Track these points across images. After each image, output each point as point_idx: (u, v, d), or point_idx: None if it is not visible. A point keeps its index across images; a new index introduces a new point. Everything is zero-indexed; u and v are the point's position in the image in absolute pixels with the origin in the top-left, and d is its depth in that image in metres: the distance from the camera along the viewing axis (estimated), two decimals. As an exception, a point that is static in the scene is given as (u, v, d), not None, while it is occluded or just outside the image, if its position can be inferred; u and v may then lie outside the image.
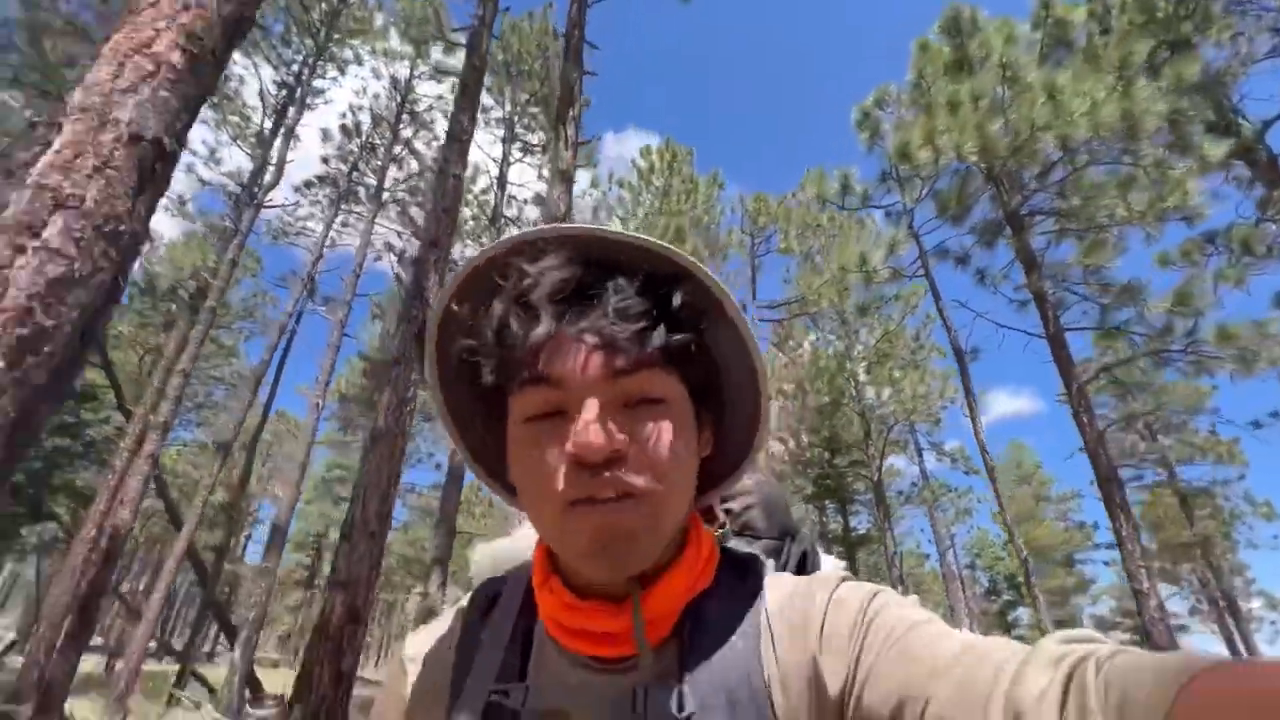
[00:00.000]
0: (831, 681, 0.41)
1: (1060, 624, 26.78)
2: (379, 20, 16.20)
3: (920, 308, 17.14)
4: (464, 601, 0.56)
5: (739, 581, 0.49)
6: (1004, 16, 9.45)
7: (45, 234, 1.42)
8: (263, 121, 15.15)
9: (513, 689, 0.45)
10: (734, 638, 0.45)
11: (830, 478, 20.39)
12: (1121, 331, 8.52)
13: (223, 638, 16.45)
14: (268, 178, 13.76)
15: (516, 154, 15.55)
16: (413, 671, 0.52)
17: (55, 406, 1.49)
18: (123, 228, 1.58)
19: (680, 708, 0.41)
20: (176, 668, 12.91)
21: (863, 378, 18.56)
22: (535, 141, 15.35)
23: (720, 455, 0.53)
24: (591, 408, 0.40)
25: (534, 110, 14.93)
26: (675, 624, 0.46)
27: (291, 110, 15.46)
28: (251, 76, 15.38)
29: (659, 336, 0.42)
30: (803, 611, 0.45)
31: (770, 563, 0.56)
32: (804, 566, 0.72)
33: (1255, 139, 10.42)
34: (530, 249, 0.44)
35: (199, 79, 1.95)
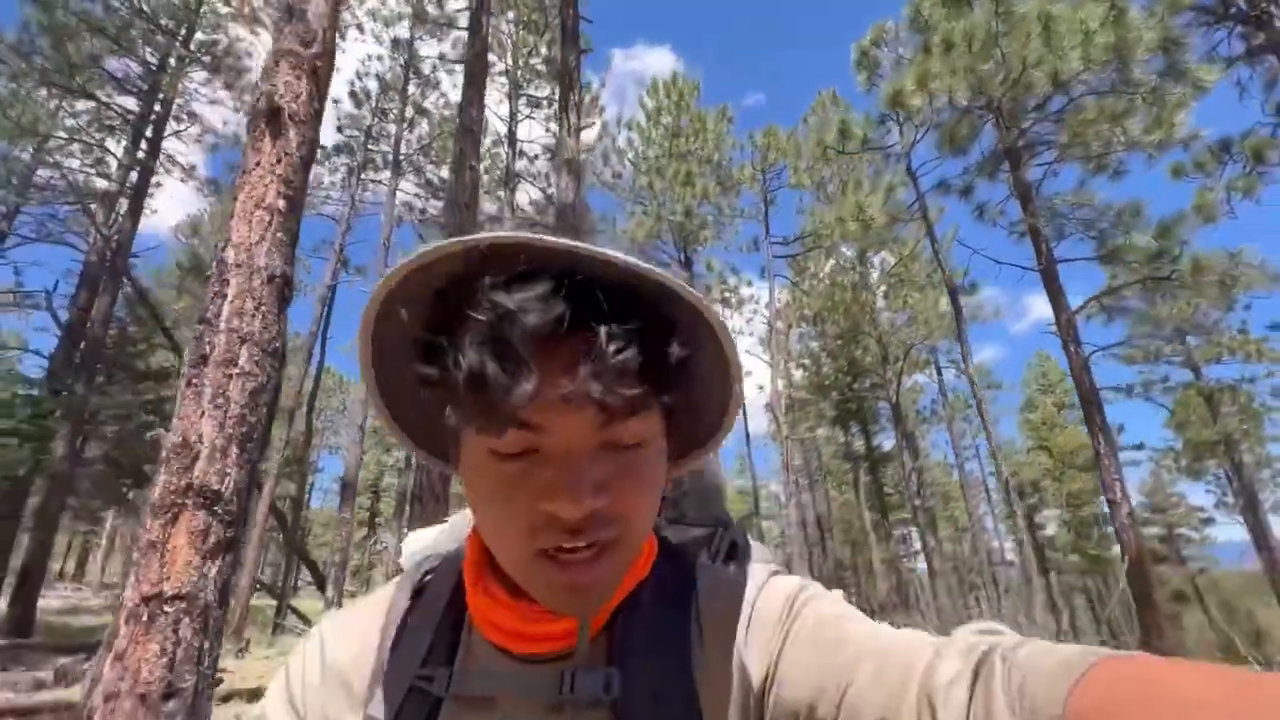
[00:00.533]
0: (755, 671, 0.42)
1: (1083, 523, 27.84)
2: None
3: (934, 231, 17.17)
4: (389, 589, 0.54)
5: (672, 572, 0.49)
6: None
7: (240, 363, 2.23)
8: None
9: (437, 674, 0.44)
10: (664, 630, 0.45)
11: (851, 400, 21.15)
12: (1119, 257, 8.84)
13: (305, 575, 18.54)
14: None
15: (524, 109, 15.70)
16: (329, 652, 0.50)
17: (257, 468, 2.34)
18: (277, 345, 2.38)
19: (607, 690, 0.41)
20: (274, 603, 14.89)
21: (880, 303, 18.90)
22: (542, 95, 15.43)
23: (683, 435, 0.50)
24: (574, 468, 0.38)
25: (538, 65, 14.93)
26: (613, 610, 0.46)
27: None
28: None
29: (651, 393, 0.39)
30: (731, 603, 0.46)
31: (702, 553, 0.58)
32: (733, 555, 0.72)
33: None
34: (498, 260, 0.36)
35: (294, 211, 2.68)
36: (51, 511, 10.97)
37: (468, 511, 0.60)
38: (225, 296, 2.30)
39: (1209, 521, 30.56)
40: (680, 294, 0.38)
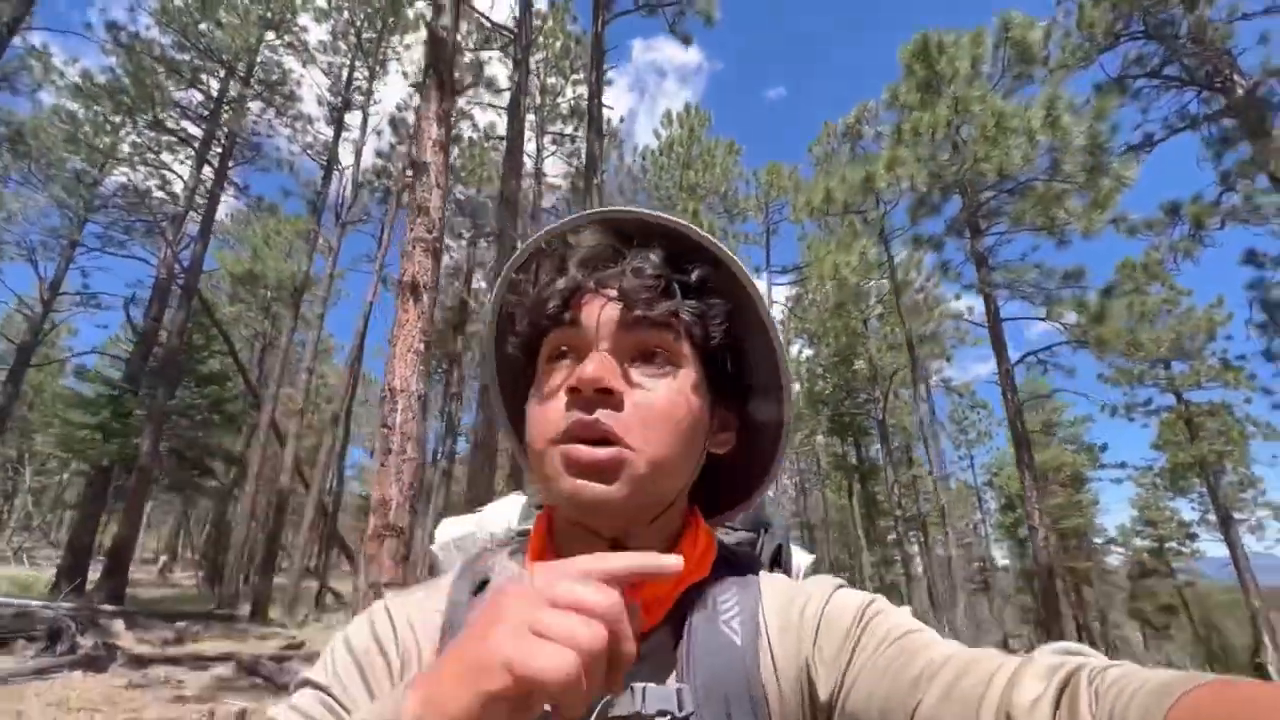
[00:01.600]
0: (823, 686, 0.42)
1: (1064, 536, 29.20)
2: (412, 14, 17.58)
3: (925, 261, 18.61)
4: (446, 578, 0.54)
5: (736, 578, 0.50)
6: (974, 31, 10.66)
7: (408, 452, 3.87)
8: (331, 129, 17.27)
9: None
10: (732, 635, 0.45)
11: (845, 415, 22.62)
12: (1056, 316, 10.32)
13: (341, 559, 20.38)
14: (339, 191, 16.05)
15: (549, 146, 17.27)
16: (391, 628, 0.49)
17: (418, 513, 3.98)
18: (420, 446, 4.03)
19: (680, 707, 0.41)
20: (316, 584, 16.73)
21: (874, 323, 20.31)
22: (566, 133, 16.98)
23: (742, 473, 0.56)
24: (600, 347, 0.46)
25: (563, 108, 16.47)
26: (670, 611, 0.47)
27: (347, 116, 17.47)
28: (310, 90, 17.37)
29: (672, 297, 0.47)
30: (799, 614, 0.46)
31: (760, 562, 0.59)
32: (778, 559, 0.74)
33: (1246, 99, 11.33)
34: (576, 229, 0.51)
35: (428, 349, 4.31)
36: (140, 499, 12.78)
37: (507, 498, 0.72)
38: (396, 411, 3.95)
39: (1194, 537, 31.80)
40: (719, 255, 0.49)
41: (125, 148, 16.71)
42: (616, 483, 0.43)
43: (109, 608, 10.03)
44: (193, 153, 16.77)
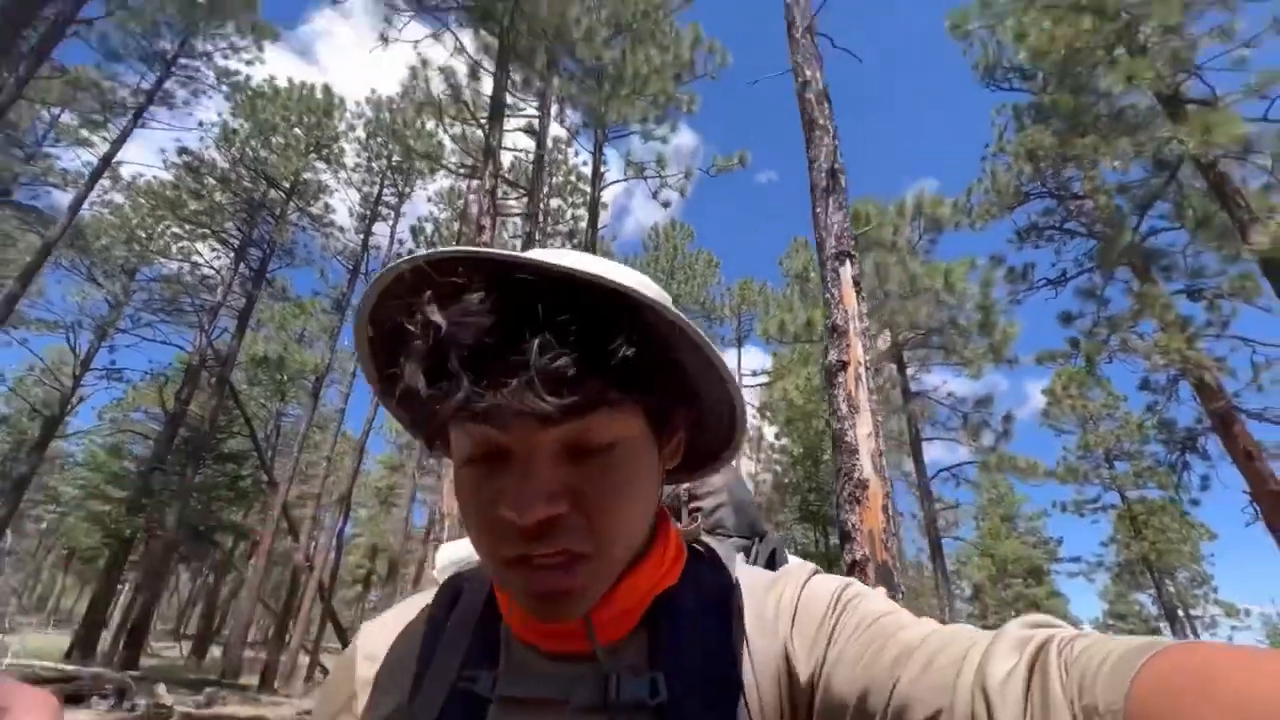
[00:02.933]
0: (802, 669, 0.42)
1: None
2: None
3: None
4: (428, 595, 0.54)
5: (708, 573, 0.50)
6: (896, 203, 13.33)
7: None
8: (360, 236, 19.73)
9: (481, 675, 0.45)
10: (706, 627, 0.45)
11: (812, 504, 24.23)
12: (968, 439, 12.41)
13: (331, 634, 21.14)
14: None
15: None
16: (369, 663, 0.51)
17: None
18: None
19: (653, 694, 0.41)
20: (308, 658, 17.63)
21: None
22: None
23: (696, 445, 0.51)
24: (523, 472, 0.39)
25: (563, 229, 19.09)
26: (644, 614, 0.46)
27: (375, 226, 20.01)
28: (342, 202, 19.99)
29: (596, 370, 0.37)
30: (775, 601, 0.46)
31: (740, 555, 0.57)
32: (772, 565, 0.72)
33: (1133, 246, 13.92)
34: (437, 278, 0.37)
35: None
36: (164, 571, 14.04)
37: None
38: (444, 532, 5.79)
39: (1158, 631, 32.91)
40: (636, 298, 0.38)
41: (170, 244, 19.01)
42: (582, 593, 0.40)
43: (134, 673, 11.18)
44: (232, 251, 19.09)
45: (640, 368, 0.38)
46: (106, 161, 14.42)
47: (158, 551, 14.00)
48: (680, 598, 0.47)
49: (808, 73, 4.11)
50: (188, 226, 18.55)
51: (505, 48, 9.31)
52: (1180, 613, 29.04)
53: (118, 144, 14.44)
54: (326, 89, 20.55)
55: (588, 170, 15.47)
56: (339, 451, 19.28)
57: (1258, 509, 11.38)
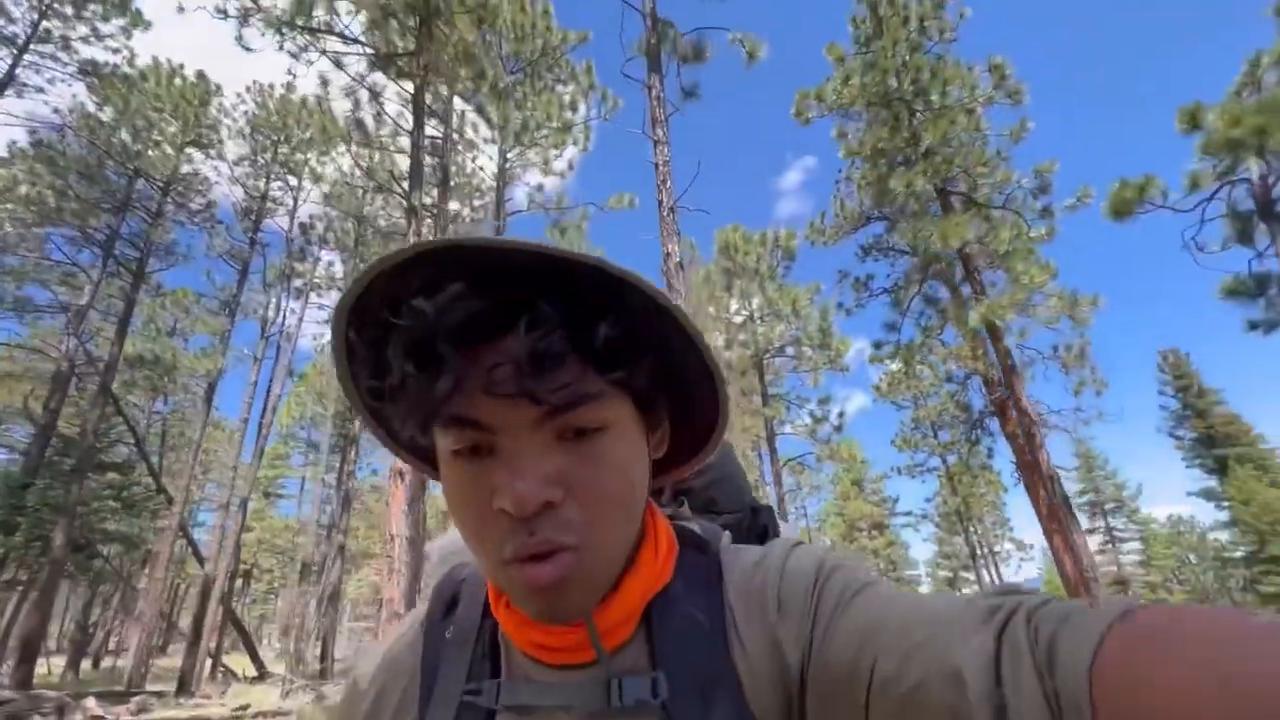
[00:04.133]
0: (791, 650, 0.42)
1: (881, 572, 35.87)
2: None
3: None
4: (421, 609, 0.54)
5: (698, 566, 0.49)
6: (759, 234, 15.77)
7: (400, 569, 7.23)
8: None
9: (485, 687, 0.45)
10: (699, 622, 0.45)
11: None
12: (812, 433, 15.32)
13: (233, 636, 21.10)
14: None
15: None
16: (372, 689, 0.51)
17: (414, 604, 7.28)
18: (408, 564, 7.40)
19: (655, 694, 0.41)
20: (209, 661, 17.83)
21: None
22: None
23: (684, 433, 0.51)
24: (516, 459, 0.38)
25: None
26: (641, 617, 0.46)
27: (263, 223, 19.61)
28: (225, 197, 19.36)
29: (588, 371, 0.38)
30: (759, 585, 0.46)
31: (727, 534, 0.55)
32: (765, 539, 0.71)
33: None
34: (421, 269, 0.37)
35: (412, 508, 7.70)
36: (51, 590, 13.76)
37: None
38: (395, 550, 7.29)
39: (969, 566, 40.21)
40: (621, 278, 0.38)
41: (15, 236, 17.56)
42: (579, 592, 0.41)
43: (56, 692, 11.36)
44: (98, 248, 17.97)
45: (627, 346, 0.39)
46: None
47: (45, 572, 13.70)
48: (674, 594, 0.47)
49: (669, 248, 5.88)
50: (37, 217, 17.21)
51: (419, 102, 10.19)
52: (984, 550, 35.92)
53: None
54: (201, 75, 19.54)
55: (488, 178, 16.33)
56: (211, 445, 19.15)
57: (1018, 474, 15.24)
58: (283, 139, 20.00)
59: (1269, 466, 36.78)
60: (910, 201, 11.05)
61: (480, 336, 0.37)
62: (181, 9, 10.05)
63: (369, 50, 10.45)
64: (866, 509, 32.97)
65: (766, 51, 7.44)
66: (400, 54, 10.69)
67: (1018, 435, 14.56)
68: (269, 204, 20.04)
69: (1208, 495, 35.64)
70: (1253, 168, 6.57)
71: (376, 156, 13.42)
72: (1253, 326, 8.22)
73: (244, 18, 9.15)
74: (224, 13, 9.06)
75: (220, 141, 19.55)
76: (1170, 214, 7.89)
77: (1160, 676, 0.25)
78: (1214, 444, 39.60)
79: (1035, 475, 14.54)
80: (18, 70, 15.19)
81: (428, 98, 10.37)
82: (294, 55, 11.22)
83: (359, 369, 0.43)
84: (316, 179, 19.50)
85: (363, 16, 10.43)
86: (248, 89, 20.13)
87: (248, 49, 9.53)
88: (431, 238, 0.40)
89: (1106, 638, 0.27)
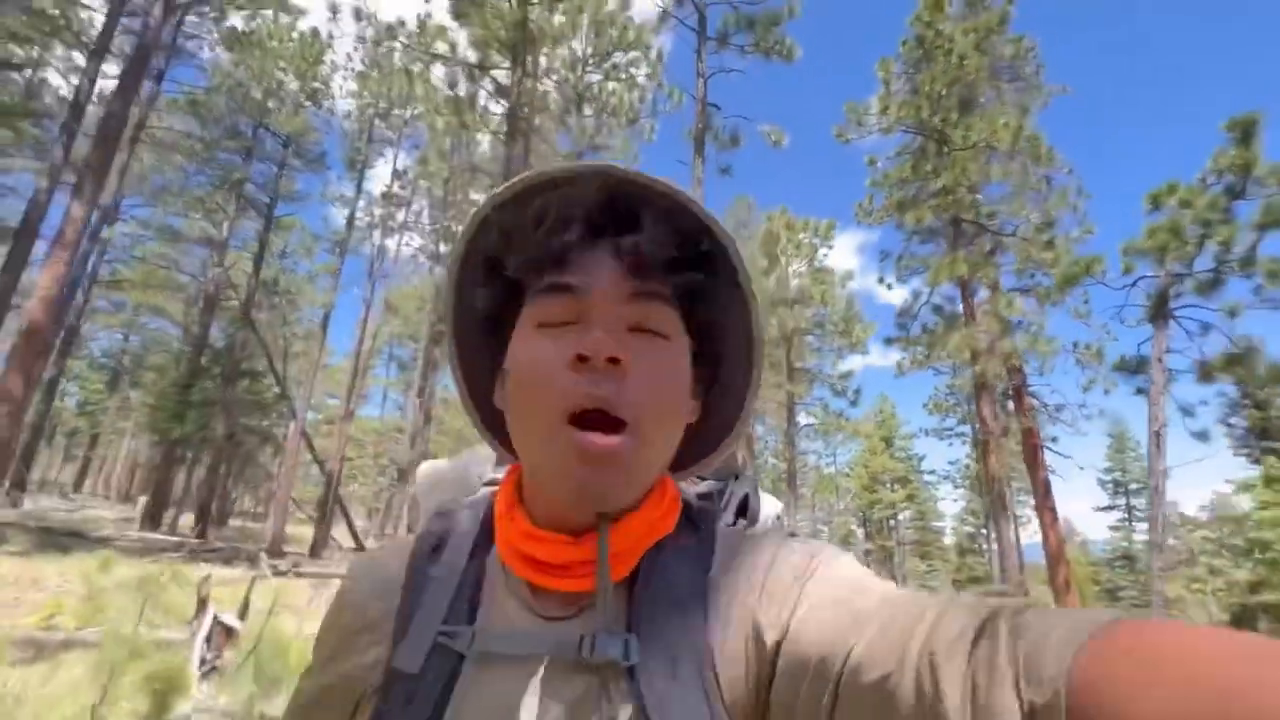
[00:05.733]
0: (768, 633, 0.42)
1: (879, 526, 38.28)
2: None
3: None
4: (413, 535, 0.55)
5: (693, 535, 0.50)
6: (801, 221, 17.36)
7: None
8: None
9: (460, 631, 0.45)
10: (682, 593, 0.45)
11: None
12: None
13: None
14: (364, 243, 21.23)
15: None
16: (354, 609, 0.52)
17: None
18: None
19: (626, 656, 0.42)
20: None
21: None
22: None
23: (703, 430, 0.53)
24: (606, 317, 0.44)
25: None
26: (636, 565, 0.47)
27: (368, 172, 22.38)
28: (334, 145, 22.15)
29: (678, 271, 0.45)
30: (748, 568, 0.47)
31: (722, 515, 0.59)
32: (745, 507, 0.74)
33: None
34: (575, 179, 0.46)
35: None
36: (216, 467, 18.03)
37: (481, 449, 0.69)
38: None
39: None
40: (712, 228, 0.47)
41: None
42: (621, 478, 0.43)
43: (248, 546, 15.61)
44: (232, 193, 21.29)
45: (707, 269, 0.47)
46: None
47: (214, 452, 17.91)
48: (665, 556, 0.47)
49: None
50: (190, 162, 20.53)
51: (514, 121, 12.07)
52: (1008, 513, 37.64)
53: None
54: (315, 33, 21.79)
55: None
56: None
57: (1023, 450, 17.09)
58: (386, 97, 22.29)
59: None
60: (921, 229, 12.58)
61: (607, 220, 0.45)
62: (331, 39, 12.26)
63: (473, 64, 12.46)
64: (891, 464, 35.07)
65: (788, 134, 9.11)
66: (498, 66, 12.71)
67: (1028, 420, 16.36)
68: (371, 153, 22.67)
69: (1245, 487, 35.72)
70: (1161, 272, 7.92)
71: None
72: (1139, 391, 9.94)
73: (378, 43, 11.17)
74: (363, 39, 11.11)
75: (331, 97, 22.06)
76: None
77: (1143, 693, 0.24)
78: (1267, 435, 38.93)
79: (1035, 459, 16.50)
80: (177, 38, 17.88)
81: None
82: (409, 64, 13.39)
83: (473, 261, 0.52)
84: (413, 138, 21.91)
85: (467, 35, 12.41)
86: (355, 45, 22.30)
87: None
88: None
89: (1088, 646, 0.27)
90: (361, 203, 22.55)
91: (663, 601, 0.45)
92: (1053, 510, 16.92)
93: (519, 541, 0.47)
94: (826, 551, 0.46)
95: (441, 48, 13.08)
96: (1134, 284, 8.69)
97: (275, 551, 15.52)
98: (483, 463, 0.75)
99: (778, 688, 0.40)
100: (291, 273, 22.30)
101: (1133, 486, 36.13)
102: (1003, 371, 16.12)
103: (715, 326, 0.50)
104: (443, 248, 23.96)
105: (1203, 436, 11.18)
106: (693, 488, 0.67)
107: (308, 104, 21.28)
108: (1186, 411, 10.38)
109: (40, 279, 9.43)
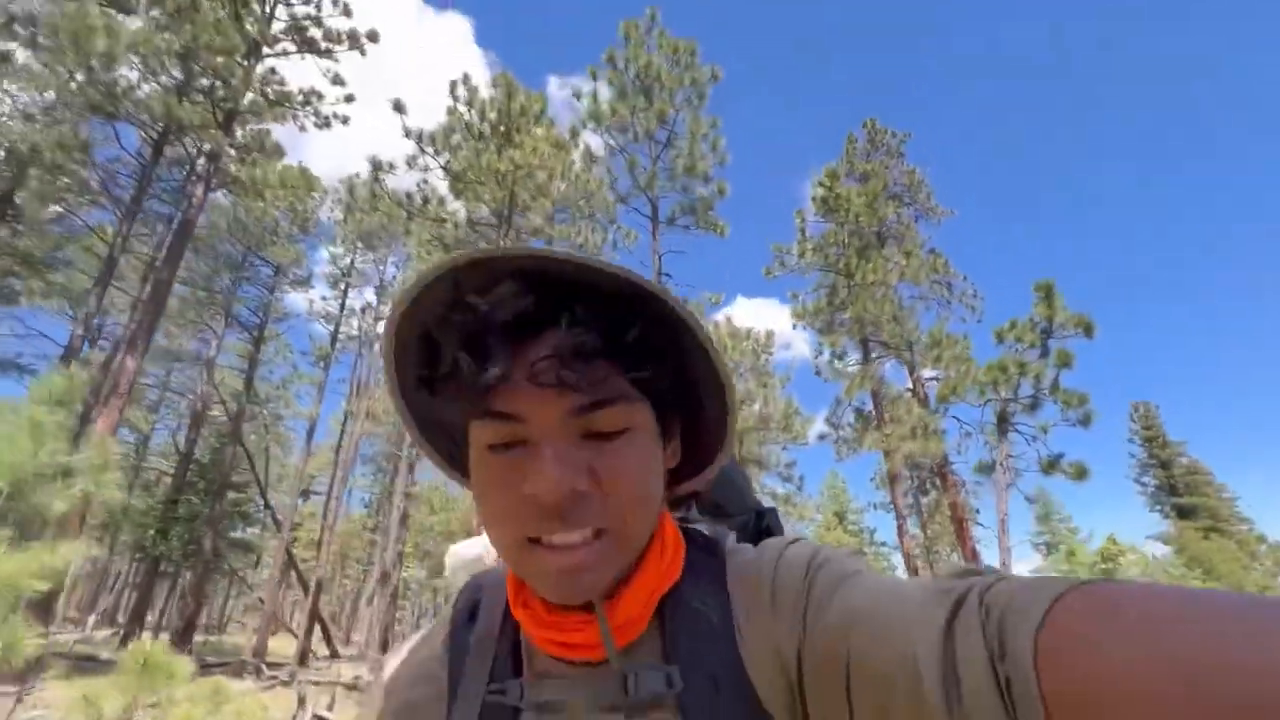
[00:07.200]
0: (786, 641, 0.43)
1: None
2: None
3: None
4: (445, 615, 0.57)
5: (707, 565, 0.51)
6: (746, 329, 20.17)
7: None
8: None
9: (509, 686, 0.47)
10: (708, 618, 0.46)
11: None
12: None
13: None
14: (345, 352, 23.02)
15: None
16: (397, 695, 0.54)
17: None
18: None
19: (669, 685, 0.43)
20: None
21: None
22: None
23: (692, 450, 0.54)
24: (549, 448, 0.42)
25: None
26: (652, 615, 0.47)
27: (351, 293, 24.46)
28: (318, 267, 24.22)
29: (617, 375, 0.43)
30: (756, 580, 0.47)
31: (733, 535, 0.58)
32: (770, 535, 0.74)
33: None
34: (476, 273, 0.42)
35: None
36: (202, 583, 18.60)
37: None
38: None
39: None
40: (652, 291, 0.43)
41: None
42: (599, 575, 0.43)
43: (245, 658, 16.15)
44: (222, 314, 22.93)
45: (652, 349, 0.44)
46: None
47: (198, 568, 18.55)
48: (684, 592, 0.48)
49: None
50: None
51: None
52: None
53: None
54: (303, 171, 24.35)
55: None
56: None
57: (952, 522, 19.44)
58: (367, 236, 24.78)
59: (1221, 516, 40.07)
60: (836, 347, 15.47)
61: (526, 331, 0.42)
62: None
63: (464, 220, 15.04)
64: (844, 538, 37.22)
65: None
66: (486, 223, 15.34)
67: (952, 496, 18.93)
68: (353, 276, 24.88)
69: (1165, 540, 39.09)
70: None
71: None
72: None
73: (390, 216, 13.61)
74: (387, 214, 13.55)
75: (318, 224, 24.37)
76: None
77: (1104, 642, 0.26)
78: (1175, 492, 42.86)
79: (962, 531, 18.99)
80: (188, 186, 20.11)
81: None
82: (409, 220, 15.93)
83: (408, 363, 0.48)
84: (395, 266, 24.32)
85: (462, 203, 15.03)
86: (340, 181, 24.94)
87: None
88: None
89: (1051, 614, 0.28)
90: (350, 313, 24.55)
91: (693, 630, 0.46)
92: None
93: (534, 629, 0.48)
94: (825, 550, 0.48)
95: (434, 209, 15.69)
96: (985, 404, 11.50)
97: (263, 662, 16.19)
98: None
99: (810, 699, 0.41)
100: (280, 390, 23.73)
101: (1062, 548, 38.98)
102: (918, 458, 18.81)
103: (679, 369, 0.49)
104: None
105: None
106: (716, 524, 0.70)
107: (299, 234, 23.49)
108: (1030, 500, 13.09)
109: (99, 424, 10.95)
